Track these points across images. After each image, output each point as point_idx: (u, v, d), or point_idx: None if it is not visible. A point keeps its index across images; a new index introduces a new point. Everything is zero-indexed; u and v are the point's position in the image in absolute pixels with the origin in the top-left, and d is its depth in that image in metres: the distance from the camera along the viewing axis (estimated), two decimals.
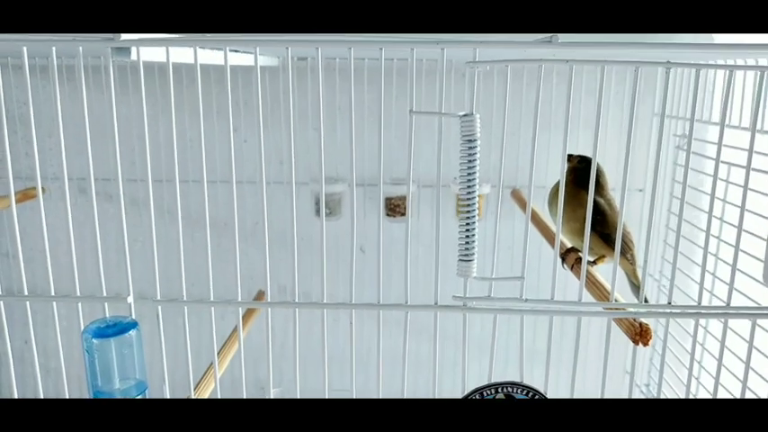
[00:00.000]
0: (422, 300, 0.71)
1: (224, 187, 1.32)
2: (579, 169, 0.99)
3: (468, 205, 0.67)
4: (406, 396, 0.73)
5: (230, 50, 0.79)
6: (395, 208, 1.32)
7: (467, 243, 0.67)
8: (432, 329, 0.71)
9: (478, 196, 1.30)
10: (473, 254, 0.67)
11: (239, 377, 0.74)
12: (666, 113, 1.28)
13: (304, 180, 1.34)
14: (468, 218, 0.67)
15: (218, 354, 1.01)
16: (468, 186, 0.67)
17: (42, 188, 1.33)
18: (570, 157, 1.02)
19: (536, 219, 1.18)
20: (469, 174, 0.67)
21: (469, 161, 0.67)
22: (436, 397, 0.72)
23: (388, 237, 1.40)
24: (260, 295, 1.36)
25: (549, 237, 1.03)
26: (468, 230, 0.67)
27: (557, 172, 0.73)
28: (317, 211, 1.34)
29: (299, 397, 0.74)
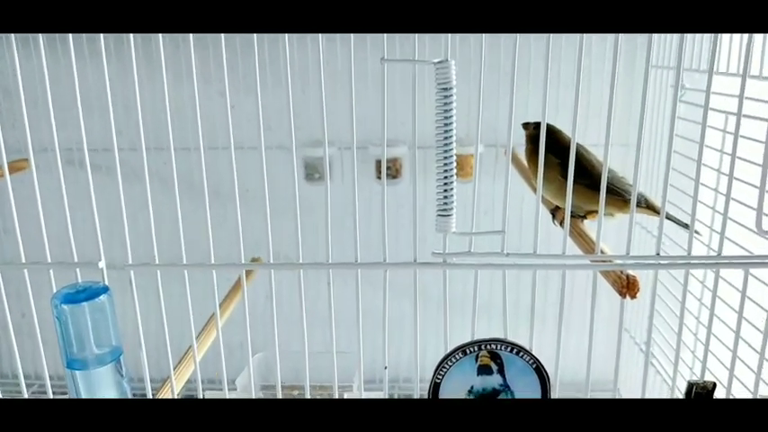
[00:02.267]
0: (404, 258, 0.69)
1: (212, 154, 1.29)
2: (536, 135, 0.93)
3: (446, 158, 0.64)
4: (387, 357, 0.72)
5: None
6: (386, 170, 1.29)
7: (445, 197, 0.65)
8: (413, 289, 0.69)
9: (470, 156, 1.28)
10: (452, 208, 0.65)
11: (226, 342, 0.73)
12: (660, 64, 1.24)
13: (289, 144, 1.31)
14: (445, 170, 0.64)
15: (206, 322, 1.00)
16: (445, 138, 0.64)
17: (26, 159, 1.31)
18: (527, 125, 0.99)
19: (528, 176, 1.15)
20: (446, 125, 0.64)
21: (445, 110, 0.64)
22: (419, 356, 0.70)
23: (378, 200, 1.38)
24: (257, 261, 1.34)
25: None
26: (446, 184, 0.64)
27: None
28: (307, 176, 1.31)
29: (277, 359, 0.73)
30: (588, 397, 0.69)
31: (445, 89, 0.63)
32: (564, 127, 0.95)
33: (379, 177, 1.30)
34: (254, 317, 0.74)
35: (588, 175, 0.88)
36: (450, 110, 0.63)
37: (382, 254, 0.69)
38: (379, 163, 1.29)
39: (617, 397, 1.05)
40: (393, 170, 1.29)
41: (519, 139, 1.33)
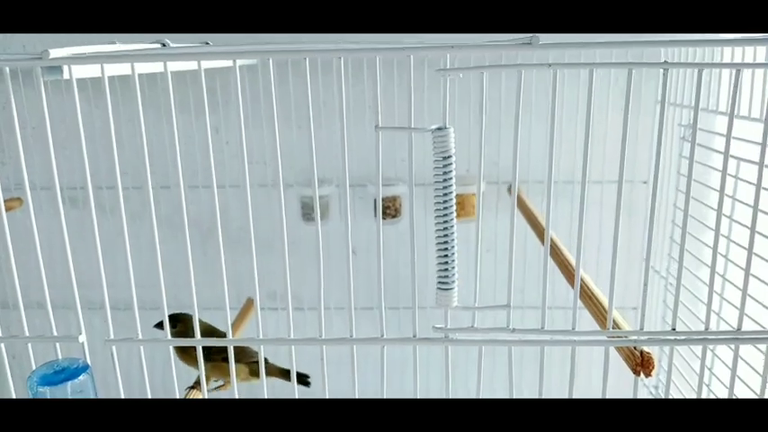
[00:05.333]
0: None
1: (206, 192, 1.26)
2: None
3: (446, 228, 0.60)
4: None
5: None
6: (385, 209, 1.25)
7: (446, 270, 0.61)
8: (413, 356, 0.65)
9: (471, 195, 1.24)
10: (453, 281, 0.61)
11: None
12: (670, 101, 1.20)
13: (289, 182, 1.28)
14: (445, 240, 0.60)
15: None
16: (445, 206, 0.60)
17: (19, 198, 1.28)
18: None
19: (531, 218, 1.11)
20: (445, 195, 0.60)
21: (444, 179, 0.60)
22: None
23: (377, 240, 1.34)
24: (249, 303, 1.30)
25: (556, 256, 0.95)
26: (446, 255, 0.60)
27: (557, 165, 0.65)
28: (304, 215, 1.27)
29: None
30: None
31: (444, 158, 0.59)
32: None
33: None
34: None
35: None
36: (450, 178, 0.60)
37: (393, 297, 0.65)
38: (377, 202, 1.25)
39: None
40: (392, 209, 1.25)
41: (522, 175, 1.30)
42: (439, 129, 0.59)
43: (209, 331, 0.92)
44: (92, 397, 0.64)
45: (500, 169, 1.28)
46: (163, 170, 1.33)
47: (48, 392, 0.62)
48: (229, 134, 1.35)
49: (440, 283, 0.61)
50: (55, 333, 0.66)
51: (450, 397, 0.65)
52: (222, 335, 0.94)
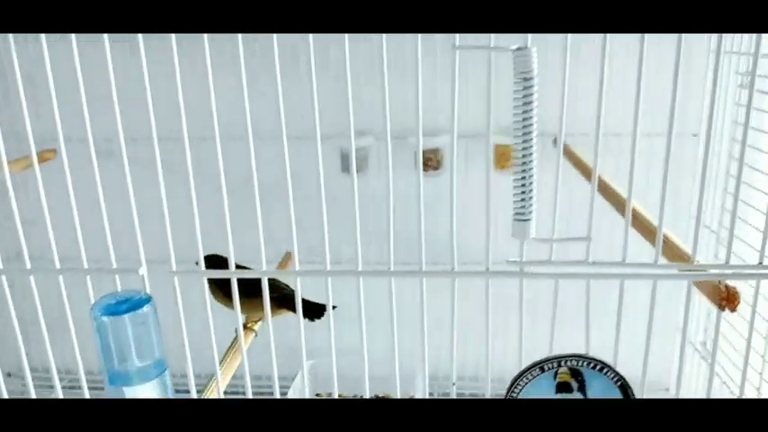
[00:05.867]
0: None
1: (243, 145, 1.23)
2: None
3: (525, 156, 0.57)
4: (455, 369, 0.66)
5: None
6: (427, 161, 1.22)
7: (523, 200, 0.58)
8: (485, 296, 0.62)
9: (512, 146, 1.21)
10: (531, 212, 0.58)
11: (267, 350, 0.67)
12: (726, 49, 1.15)
13: (328, 134, 1.24)
14: (524, 171, 0.57)
15: (243, 326, 0.95)
16: (524, 134, 0.57)
17: (53, 150, 1.26)
18: None
19: (582, 169, 1.08)
20: (525, 119, 0.57)
21: (525, 104, 0.57)
22: (489, 370, 0.64)
23: (416, 193, 1.31)
24: (287, 257, 1.28)
25: (608, 194, 0.92)
26: (524, 185, 0.58)
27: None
28: (344, 167, 1.24)
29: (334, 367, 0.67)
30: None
31: (526, 79, 0.56)
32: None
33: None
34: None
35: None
36: (531, 102, 0.57)
37: (420, 258, 0.63)
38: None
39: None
40: (434, 161, 1.22)
41: (570, 127, 1.26)
42: (519, 49, 0.56)
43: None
44: (153, 328, 0.62)
45: (544, 121, 1.25)
46: (196, 122, 1.32)
47: (109, 323, 0.60)
48: (266, 85, 1.32)
49: (516, 213, 0.58)
50: (114, 266, 0.65)
51: (522, 337, 0.63)
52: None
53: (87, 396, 0.70)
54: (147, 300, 0.61)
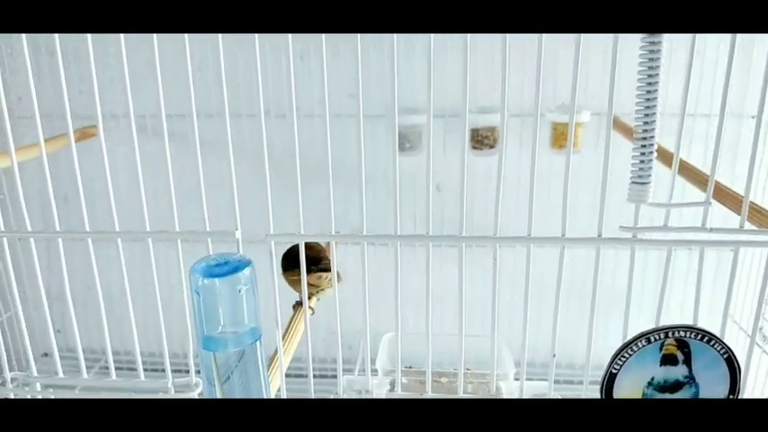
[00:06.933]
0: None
1: (284, 122, 1.21)
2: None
3: (646, 116, 0.55)
4: (556, 342, 0.64)
5: None
6: (482, 140, 1.20)
7: (642, 162, 0.56)
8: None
9: (576, 125, 1.19)
10: (649, 175, 0.56)
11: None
12: None
13: (380, 112, 1.23)
14: (645, 132, 0.55)
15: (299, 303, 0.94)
16: (648, 92, 0.55)
17: (94, 126, 1.24)
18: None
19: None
20: (649, 84, 0.55)
21: (650, 68, 0.55)
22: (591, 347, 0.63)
23: (470, 172, 1.28)
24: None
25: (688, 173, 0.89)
26: (644, 146, 0.56)
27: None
28: (401, 146, 1.22)
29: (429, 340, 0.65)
30: None
31: (652, 42, 0.54)
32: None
33: (475, 147, 1.22)
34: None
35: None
36: (658, 66, 0.54)
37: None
38: (474, 132, 1.21)
39: None
40: (491, 139, 1.20)
41: (623, 108, 1.24)
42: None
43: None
44: (252, 293, 0.60)
45: (601, 100, 1.23)
46: (238, 99, 1.30)
47: (208, 285, 0.58)
48: (315, 61, 1.30)
49: (634, 176, 0.56)
50: (208, 228, 0.63)
51: (628, 306, 0.61)
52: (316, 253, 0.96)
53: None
54: (248, 263, 0.60)
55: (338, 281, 0.70)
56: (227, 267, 0.59)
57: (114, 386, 0.71)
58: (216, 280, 0.58)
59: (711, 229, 0.57)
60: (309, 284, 0.96)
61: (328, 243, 1.27)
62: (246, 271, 0.59)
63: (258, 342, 0.62)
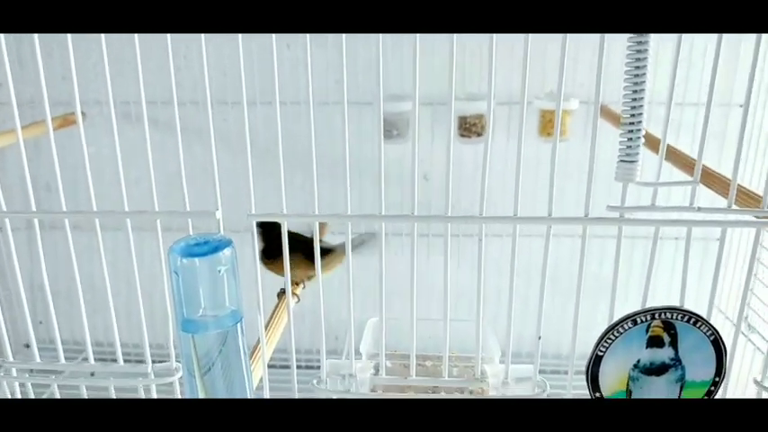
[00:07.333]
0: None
1: (269, 109, 1.20)
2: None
3: (635, 92, 0.54)
4: (542, 325, 0.63)
5: None
6: (470, 127, 1.19)
7: (629, 141, 0.55)
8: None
9: (564, 113, 1.19)
10: (637, 153, 0.55)
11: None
12: None
13: (367, 100, 1.21)
14: (633, 111, 0.55)
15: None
16: (636, 67, 0.54)
17: (83, 113, 1.22)
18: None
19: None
20: (638, 60, 0.54)
21: (639, 48, 0.54)
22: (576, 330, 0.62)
23: (458, 160, 1.27)
24: (321, 226, 1.25)
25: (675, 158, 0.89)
26: (632, 124, 0.55)
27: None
28: (384, 133, 1.21)
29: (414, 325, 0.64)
30: None
31: (639, 42, 0.53)
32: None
33: (463, 135, 1.20)
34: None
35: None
36: (645, 65, 0.54)
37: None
38: (462, 120, 1.19)
39: None
40: (478, 127, 1.19)
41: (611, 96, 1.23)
42: None
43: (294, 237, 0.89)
44: (233, 274, 0.59)
45: (589, 88, 1.22)
46: (224, 86, 1.28)
47: (187, 265, 0.57)
48: (298, 49, 1.28)
49: (622, 154, 0.56)
50: (188, 208, 0.62)
51: (615, 289, 0.61)
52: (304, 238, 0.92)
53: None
54: (228, 242, 0.58)
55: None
56: (206, 247, 0.57)
57: (92, 371, 0.69)
58: (196, 259, 0.57)
59: (699, 209, 0.57)
60: (309, 275, 0.96)
61: (322, 226, 1.27)
62: (227, 251, 0.58)
63: (239, 325, 0.60)
